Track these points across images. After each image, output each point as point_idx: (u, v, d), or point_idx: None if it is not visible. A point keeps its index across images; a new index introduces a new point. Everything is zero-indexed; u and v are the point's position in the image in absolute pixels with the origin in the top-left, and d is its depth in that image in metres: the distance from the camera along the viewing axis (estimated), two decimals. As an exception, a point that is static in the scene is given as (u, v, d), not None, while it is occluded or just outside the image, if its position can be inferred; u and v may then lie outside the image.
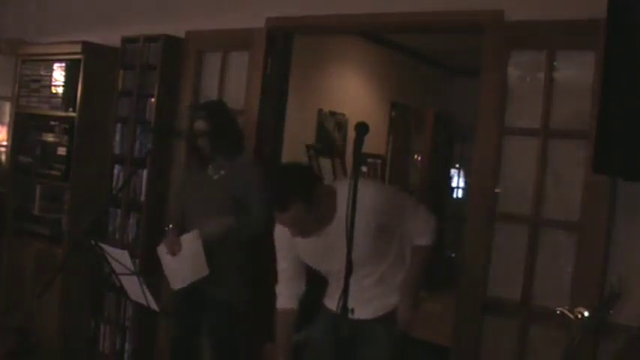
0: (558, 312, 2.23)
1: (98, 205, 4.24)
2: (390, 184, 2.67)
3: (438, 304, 6.13)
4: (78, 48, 4.38)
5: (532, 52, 3.04)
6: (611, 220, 2.77)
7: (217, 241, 3.11)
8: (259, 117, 3.81)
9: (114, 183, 4.30)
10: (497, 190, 3.08)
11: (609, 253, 2.77)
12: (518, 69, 3.08)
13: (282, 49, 3.92)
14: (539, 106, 2.97)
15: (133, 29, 4.39)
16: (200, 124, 3.19)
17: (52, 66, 4.55)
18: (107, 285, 4.04)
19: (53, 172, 4.49)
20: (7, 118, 5.21)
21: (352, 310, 2.21)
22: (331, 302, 2.63)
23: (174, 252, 3.16)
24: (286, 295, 2.69)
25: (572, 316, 2.15)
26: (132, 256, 2.95)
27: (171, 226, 3.32)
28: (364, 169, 6.79)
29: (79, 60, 4.38)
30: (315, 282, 2.73)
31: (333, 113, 6.27)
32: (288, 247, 2.61)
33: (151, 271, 3.93)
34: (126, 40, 4.34)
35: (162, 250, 3.24)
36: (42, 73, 4.63)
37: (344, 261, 2.12)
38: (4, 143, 5.15)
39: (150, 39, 4.19)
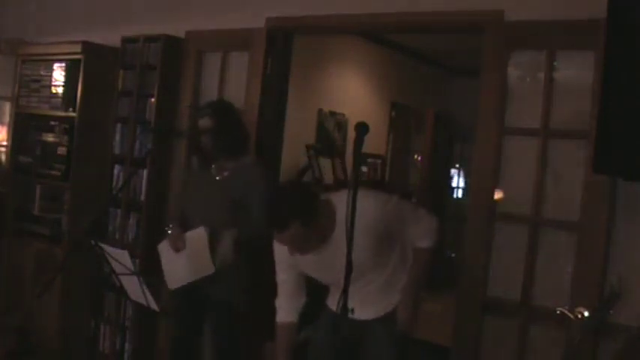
0: (558, 312, 2.24)
1: (98, 205, 4.24)
2: (388, 193, 2.63)
3: (438, 304, 6.12)
4: (78, 48, 4.38)
5: (532, 52, 3.04)
6: (611, 220, 2.77)
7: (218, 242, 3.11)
8: (259, 117, 3.81)
9: (114, 183, 4.30)
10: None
11: (609, 253, 2.77)
12: (518, 69, 3.08)
13: (282, 49, 3.92)
14: (539, 106, 2.98)
15: (133, 29, 4.39)
16: (204, 122, 3.20)
17: (52, 66, 4.55)
18: (107, 285, 4.04)
19: (53, 172, 4.49)
20: (7, 118, 5.21)
21: (352, 310, 2.21)
22: (333, 302, 2.63)
23: (177, 248, 3.15)
24: (286, 309, 2.66)
25: (572, 316, 2.15)
26: (132, 256, 2.95)
27: (171, 225, 3.32)
28: (364, 169, 6.79)
29: (79, 60, 4.38)
30: (315, 282, 2.73)
31: (333, 113, 6.27)
32: (288, 259, 2.57)
33: (150, 271, 3.94)
34: (126, 40, 4.34)
35: (163, 247, 3.24)
36: (42, 73, 4.63)
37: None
38: (4, 143, 5.15)
39: (150, 39, 4.19)
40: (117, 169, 4.31)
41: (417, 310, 2.65)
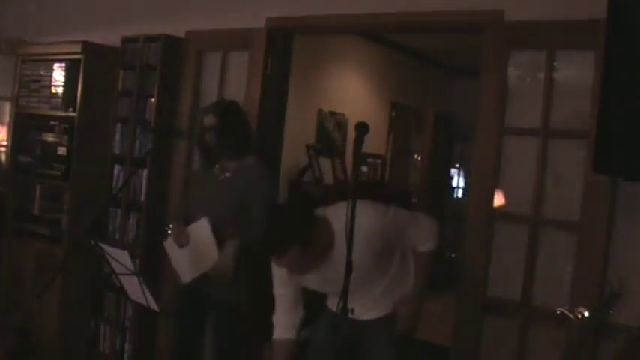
0: (558, 312, 2.23)
1: (98, 205, 4.24)
2: (386, 204, 2.60)
3: (438, 304, 6.12)
4: (78, 48, 4.38)
5: (532, 52, 3.04)
6: (611, 220, 2.77)
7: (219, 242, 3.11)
8: (259, 117, 3.81)
9: (114, 183, 4.30)
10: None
11: (609, 253, 2.77)
12: (518, 69, 3.08)
13: (282, 49, 3.92)
14: (539, 106, 2.98)
15: (133, 29, 4.39)
16: (209, 119, 3.22)
17: (52, 66, 4.55)
18: (107, 285, 4.04)
19: (53, 172, 4.49)
20: (7, 118, 5.21)
21: (352, 310, 2.21)
22: (333, 303, 2.63)
23: (181, 243, 3.15)
24: (284, 326, 2.62)
25: (572, 316, 2.15)
26: (132, 256, 2.95)
27: (171, 225, 3.32)
28: (364, 169, 6.79)
29: (79, 60, 4.38)
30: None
31: (333, 113, 6.27)
32: (286, 273, 2.53)
33: (151, 271, 3.95)
34: (126, 40, 4.34)
35: (168, 244, 3.24)
36: (42, 73, 4.63)
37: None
38: (4, 143, 5.15)
39: (150, 39, 4.19)
40: (117, 169, 4.31)
41: (419, 312, 2.65)
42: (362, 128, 2.11)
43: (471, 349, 3.08)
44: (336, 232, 2.39)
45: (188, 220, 3.25)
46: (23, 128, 4.77)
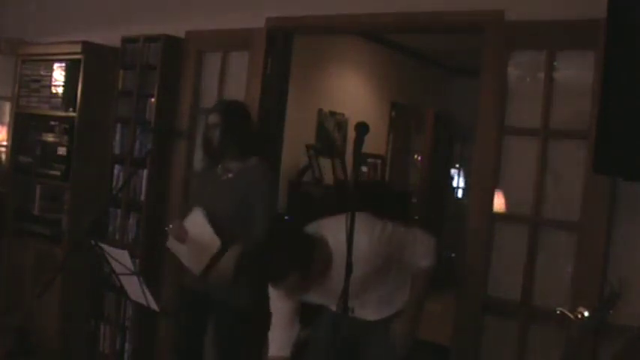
0: (558, 312, 2.23)
1: (98, 205, 4.24)
2: (385, 220, 2.57)
3: (438, 304, 6.12)
4: (78, 48, 4.38)
5: (532, 52, 3.04)
6: (611, 220, 2.77)
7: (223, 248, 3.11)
8: (259, 117, 3.81)
9: (114, 183, 4.30)
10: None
11: (609, 253, 2.77)
12: (518, 69, 3.08)
13: (282, 49, 3.92)
14: (539, 106, 2.97)
15: (133, 29, 4.39)
16: (213, 117, 3.22)
17: (52, 66, 4.55)
18: (107, 285, 4.04)
19: (53, 172, 4.49)
20: (7, 118, 5.21)
21: (352, 310, 2.21)
22: (332, 304, 2.63)
23: (182, 239, 3.15)
24: (280, 343, 2.57)
25: (572, 316, 2.15)
26: (132, 256, 2.94)
27: (170, 225, 3.32)
28: (364, 169, 6.79)
29: (79, 60, 4.38)
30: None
31: (333, 113, 6.27)
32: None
33: (151, 271, 3.95)
34: (126, 40, 4.33)
35: (171, 243, 3.23)
36: (42, 73, 4.63)
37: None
38: (4, 143, 5.15)
39: (150, 39, 4.18)
40: (117, 169, 4.30)
41: (415, 328, 2.62)
42: (362, 128, 2.11)
43: (471, 349, 3.08)
44: (333, 250, 2.36)
45: None
46: (23, 128, 4.77)
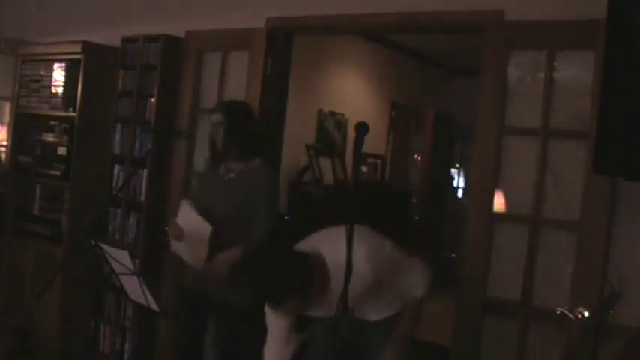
0: (558, 312, 2.23)
1: (98, 205, 4.24)
2: (383, 239, 2.54)
3: (438, 304, 6.12)
4: (78, 48, 4.38)
5: (532, 52, 3.04)
6: (611, 220, 2.77)
7: (222, 244, 3.10)
8: (259, 117, 3.81)
9: (114, 183, 4.30)
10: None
11: (609, 253, 2.77)
12: (518, 69, 3.08)
13: (282, 49, 3.92)
14: (539, 106, 2.98)
15: (133, 29, 4.39)
16: (216, 117, 3.22)
17: (52, 66, 4.55)
18: (107, 285, 4.04)
19: (53, 172, 4.49)
20: (7, 118, 5.21)
21: (352, 310, 2.21)
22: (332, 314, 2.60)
23: (179, 237, 3.15)
24: None
25: (572, 316, 2.15)
26: (132, 256, 2.94)
27: (167, 228, 3.32)
28: (364, 169, 6.79)
29: (79, 60, 4.38)
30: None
31: (333, 113, 6.27)
32: None
33: (151, 271, 3.95)
34: (126, 40, 4.33)
35: (175, 245, 3.22)
36: (42, 73, 4.63)
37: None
38: (4, 143, 5.15)
39: (150, 39, 4.18)
40: (117, 169, 4.31)
41: (404, 354, 2.58)
42: (362, 128, 2.10)
43: (471, 349, 3.08)
44: (331, 267, 2.30)
45: None
46: (23, 128, 4.77)
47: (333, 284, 2.28)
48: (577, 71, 2.95)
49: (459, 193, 8.46)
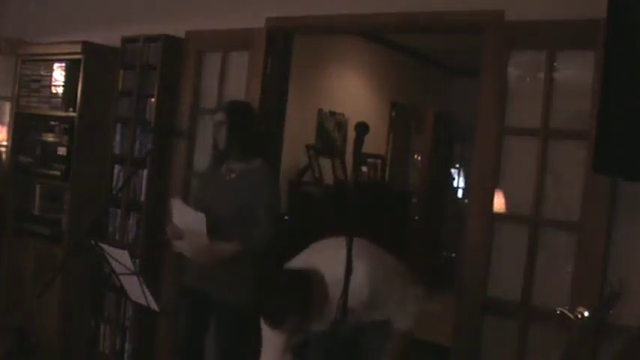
0: (558, 312, 2.23)
1: (98, 205, 4.24)
2: (384, 256, 2.56)
3: (438, 304, 6.12)
4: (78, 48, 4.38)
5: (532, 52, 3.04)
6: (611, 220, 2.77)
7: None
8: (261, 117, 3.81)
9: (114, 183, 4.30)
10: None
11: (609, 253, 2.77)
12: (518, 69, 3.08)
13: (282, 49, 3.92)
14: (539, 106, 2.97)
15: (133, 29, 4.39)
16: (218, 116, 3.23)
17: (52, 66, 4.55)
18: (107, 285, 4.05)
19: (53, 172, 4.49)
20: (7, 118, 5.21)
21: (352, 310, 2.21)
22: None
23: (179, 235, 3.15)
24: None
25: (572, 316, 2.15)
26: (132, 256, 2.94)
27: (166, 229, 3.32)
28: (364, 169, 6.79)
29: (79, 60, 4.38)
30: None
31: (333, 113, 6.27)
32: None
33: (151, 271, 3.95)
34: (126, 40, 4.33)
35: (179, 245, 3.22)
36: (42, 73, 4.63)
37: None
38: (4, 143, 5.15)
39: (150, 39, 4.18)
40: (117, 169, 4.31)
41: None
42: (362, 128, 2.10)
43: (471, 349, 3.08)
44: (329, 284, 2.30)
45: None
46: (23, 128, 4.77)
47: (332, 300, 2.27)
48: (577, 71, 2.95)
49: (459, 193, 8.45)
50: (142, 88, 4.20)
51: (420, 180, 7.83)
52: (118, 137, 4.33)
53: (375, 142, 6.84)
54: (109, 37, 4.46)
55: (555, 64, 2.98)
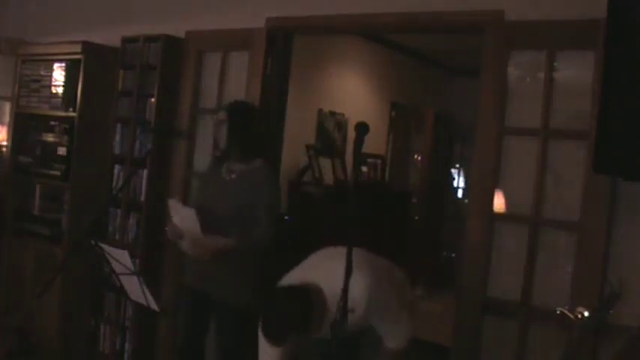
0: (558, 312, 2.23)
1: (98, 205, 4.24)
2: (384, 269, 2.56)
3: (438, 304, 6.12)
4: (78, 48, 4.38)
5: (532, 52, 3.04)
6: (611, 220, 2.77)
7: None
8: (263, 118, 3.80)
9: (114, 183, 4.30)
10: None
11: (609, 253, 2.77)
12: (518, 69, 3.08)
13: (282, 49, 3.92)
14: (539, 106, 2.97)
15: (133, 29, 4.39)
16: (220, 115, 3.24)
17: (52, 66, 4.55)
18: (107, 285, 4.04)
19: (53, 172, 4.49)
20: (7, 118, 5.21)
21: (353, 310, 2.21)
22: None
23: (179, 235, 3.15)
24: None
25: (572, 316, 2.15)
26: (132, 256, 2.94)
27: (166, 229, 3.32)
28: (364, 169, 6.79)
29: (79, 60, 4.38)
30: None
31: (333, 113, 6.27)
32: None
33: (151, 271, 3.95)
34: (126, 40, 4.34)
35: (183, 245, 3.22)
36: (42, 73, 4.63)
37: None
38: (4, 143, 5.15)
39: (150, 39, 4.19)
40: (117, 169, 4.31)
41: None
42: (362, 128, 2.10)
43: (471, 349, 3.08)
44: (328, 297, 2.29)
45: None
46: (23, 128, 4.77)
47: (331, 312, 2.26)
48: (577, 71, 2.95)
49: (459, 193, 8.45)
50: (142, 88, 4.20)
51: (420, 180, 7.82)
52: (118, 137, 4.33)
53: (375, 142, 6.84)
54: (109, 37, 4.46)
55: (555, 64, 2.98)
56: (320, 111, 6.13)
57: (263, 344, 2.44)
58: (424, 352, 4.16)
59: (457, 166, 8.43)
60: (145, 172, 4.14)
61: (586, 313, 2.12)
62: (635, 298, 2.53)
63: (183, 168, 4.15)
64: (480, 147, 3.13)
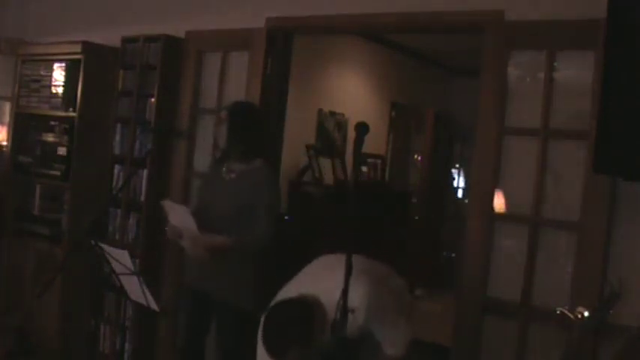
0: (558, 312, 2.23)
1: (98, 205, 4.24)
2: (384, 277, 2.54)
3: (438, 304, 6.13)
4: (78, 48, 4.38)
5: (532, 52, 3.04)
6: (611, 220, 2.77)
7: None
8: (264, 118, 3.80)
9: (114, 183, 4.30)
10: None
11: (609, 253, 2.77)
12: (518, 69, 3.08)
13: (282, 49, 3.92)
14: (539, 106, 2.98)
15: (133, 29, 4.39)
16: (222, 114, 3.24)
17: (52, 66, 4.55)
18: (107, 285, 4.04)
19: (53, 172, 4.49)
20: (7, 118, 5.21)
21: (353, 310, 2.21)
22: None
23: (179, 235, 3.15)
24: None
25: (572, 316, 2.15)
26: (132, 256, 2.94)
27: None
28: (364, 169, 6.79)
29: (79, 60, 4.38)
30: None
31: (333, 113, 6.27)
32: None
33: (151, 271, 3.95)
34: (126, 40, 4.34)
35: (183, 244, 3.22)
36: (42, 73, 4.63)
37: None
38: (4, 143, 5.15)
39: (150, 39, 4.19)
40: (117, 169, 4.31)
41: None
42: (362, 128, 2.10)
43: (471, 349, 3.08)
44: (328, 309, 2.29)
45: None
46: (23, 128, 4.77)
47: (330, 318, 2.25)
48: (577, 71, 2.95)
49: (459, 193, 8.45)
50: (142, 88, 4.20)
51: (420, 180, 7.82)
52: (118, 137, 4.34)
53: (375, 142, 6.84)
54: (109, 37, 4.46)
55: (555, 64, 2.98)
56: (320, 111, 6.14)
57: (262, 356, 2.43)
58: (424, 352, 4.16)
59: (457, 166, 8.43)
60: (145, 172, 4.14)
61: (586, 313, 2.12)
62: (635, 298, 2.53)
63: (183, 168, 4.15)
64: (480, 147, 3.13)
